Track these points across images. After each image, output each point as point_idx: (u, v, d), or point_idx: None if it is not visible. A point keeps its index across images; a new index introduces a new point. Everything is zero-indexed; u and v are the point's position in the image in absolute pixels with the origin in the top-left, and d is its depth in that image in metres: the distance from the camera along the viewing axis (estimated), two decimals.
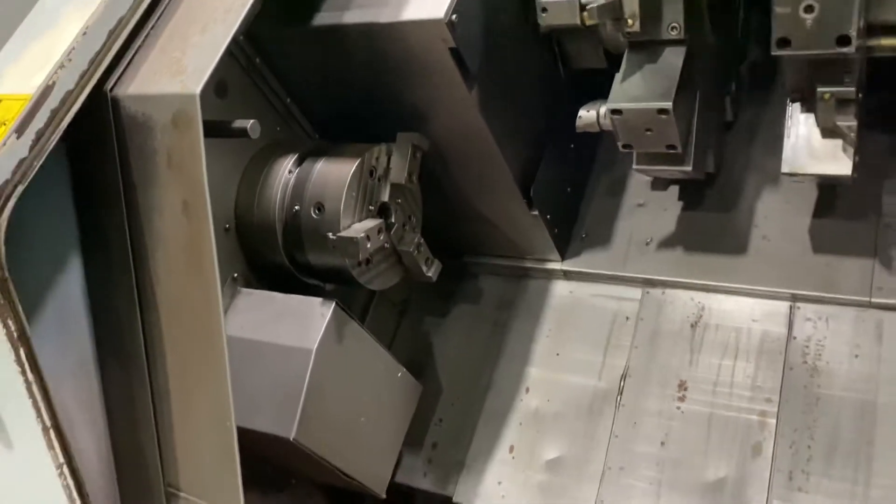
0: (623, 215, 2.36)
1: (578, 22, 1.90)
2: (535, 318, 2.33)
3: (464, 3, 1.68)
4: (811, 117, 1.80)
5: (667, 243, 2.27)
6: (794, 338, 2.02)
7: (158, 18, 1.51)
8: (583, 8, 1.90)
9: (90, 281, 1.55)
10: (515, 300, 2.39)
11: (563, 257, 2.33)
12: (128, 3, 1.46)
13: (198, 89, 1.34)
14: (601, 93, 1.96)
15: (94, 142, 1.45)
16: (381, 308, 2.45)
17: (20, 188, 1.28)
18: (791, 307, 2.06)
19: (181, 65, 1.40)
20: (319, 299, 1.83)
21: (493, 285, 2.44)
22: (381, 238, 1.85)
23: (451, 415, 2.29)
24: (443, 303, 2.48)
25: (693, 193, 2.30)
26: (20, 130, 1.29)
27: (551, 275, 2.37)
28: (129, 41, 1.47)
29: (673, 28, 1.80)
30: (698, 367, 2.08)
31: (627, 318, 2.23)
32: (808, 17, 1.46)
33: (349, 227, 1.81)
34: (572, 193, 2.36)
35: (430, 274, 2.01)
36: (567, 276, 2.34)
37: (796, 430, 1.90)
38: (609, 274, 2.29)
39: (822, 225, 2.12)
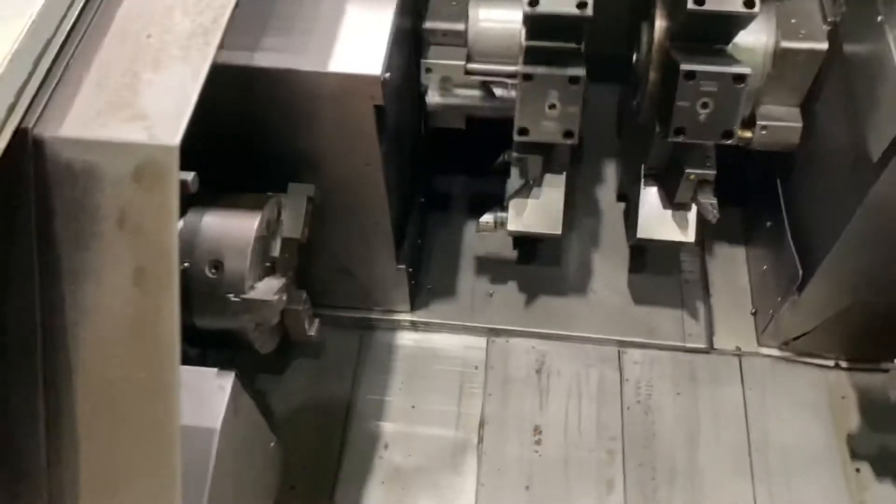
0: (464, 267, 2.46)
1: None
2: (386, 371, 2.31)
3: (389, 61, 1.64)
4: (657, 191, 2.08)
5: (507, 295, 2.42)
6: (627, 380, 2.28)
7: (79, 44, 1.24)
8: (467, 72, 1.98)
9: None
10: (363, 352, 2.34)
11: (412, 308, 2.35)
12: (55, 22, 1.18)
13: (176, 140, 1.14)
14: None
15: (2, 193, 1.14)
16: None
17: None
18: (619, 352, 2.33)
19: (137, 107, 1.17)
20: (214, 370, 1.62)
21: (337, 338, 2.36)
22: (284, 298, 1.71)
23: (304, 480, 2.16)
24: (280, 357, 2.33)
25: (526, 249, 2.49)
26: None
27: (398, 325, 2.37)
28: (51, 69, 1.18)
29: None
30: (548, 410, 2.24)
31: (476, 366, 2.32)
32: (703, 112, 1.70)
33: (252, 287, 1.64)
34: (422, 245, 2.40)
35: (311, 333, 1.90)
36: (415, 326, 2.36)
37: (640, 465, 2.15)
38: (456, 324, 2.36)
39: (637, 280, 2.43)
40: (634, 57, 2.14)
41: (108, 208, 1.16)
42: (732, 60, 1.74)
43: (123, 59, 1.23)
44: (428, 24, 1.95)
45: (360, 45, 1.63)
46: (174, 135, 1.14)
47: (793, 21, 1.92)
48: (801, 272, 2.01)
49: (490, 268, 2.46)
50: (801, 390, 2.26)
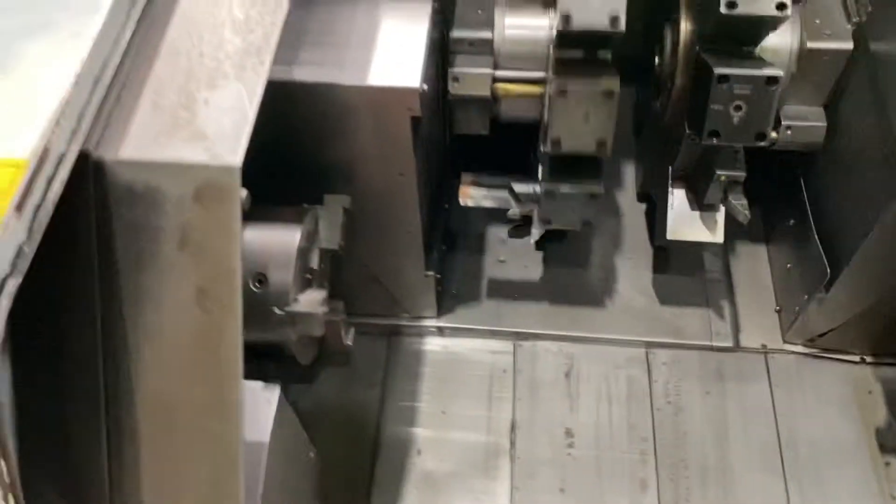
0: (488, 272, 2.47)
1: (489, 94, 1.98)
2: (415, 377, 2.32)
3: (426, 73, 1.65)
4: (684, 192, 2.10)
5: (532, 298, 2.43)
6: (655, 381, 2.30)
7: (132, 63, 1.24)
8: (495, 80, 1.99)
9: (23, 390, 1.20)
10: (391, 359, 2.34)
11: (438, 314, 2.36)
12: (110, 43, 1.18)
13: (238, 160, 1.14)
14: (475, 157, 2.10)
15: (63, 216, 1.14)
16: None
17: (14, 283, 0.97)
18: (647, 353, 2.35)
19: (195, 127, 1.17)
20: (260, 383, 1.63)
21: (365, 345, 2.36)
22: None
23: (339, 489, 2.16)
24: (310, 366, 2.33)
25: (549, 252, 2.50)
26: (21, 207, 0.98)
27: (425, 331, 2.38)
28: (109, 90, 1.18)
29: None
30: (579, 413, 2.26)
31: (504, 370, 2.33)
32: (736, 115, 1.72)
33: (296, 299, 1.65)
34: (447, 251, 2.41)
35: (349, 342, 1.90)
36: (441, 332, 2.37)
37: (673, 464, 2.17)
38: (483, 328, 2.37)
39: (661, 280, 2.45)
40: (657, 59, 2.15)
41: (170, 229, 1.16)
42: (763, 63, 1.75)
43: (178, 79, 1.23)
44: (455, 34, 1.95)
45: (397, 57, 1.64)
46: (235, 154, 1.15)
47: (817, 21, 1.94)
48: (829, 270, 2.03)
49: (514, 271, 2.46)
50: (828, 386, 2.28)
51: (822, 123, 2.02)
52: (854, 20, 1.92)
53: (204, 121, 1.18)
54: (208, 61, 1.25)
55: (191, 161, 1.14)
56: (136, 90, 1.22)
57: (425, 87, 1.61)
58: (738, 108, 1.71)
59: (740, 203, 1.94)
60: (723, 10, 1.64)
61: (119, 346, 1.20)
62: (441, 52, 1.98)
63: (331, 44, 1.65)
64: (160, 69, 1.24)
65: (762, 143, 1.76)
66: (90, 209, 1.16)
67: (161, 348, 1.20)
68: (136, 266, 1.18)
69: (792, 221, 2.29)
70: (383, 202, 1.90)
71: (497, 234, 2.53)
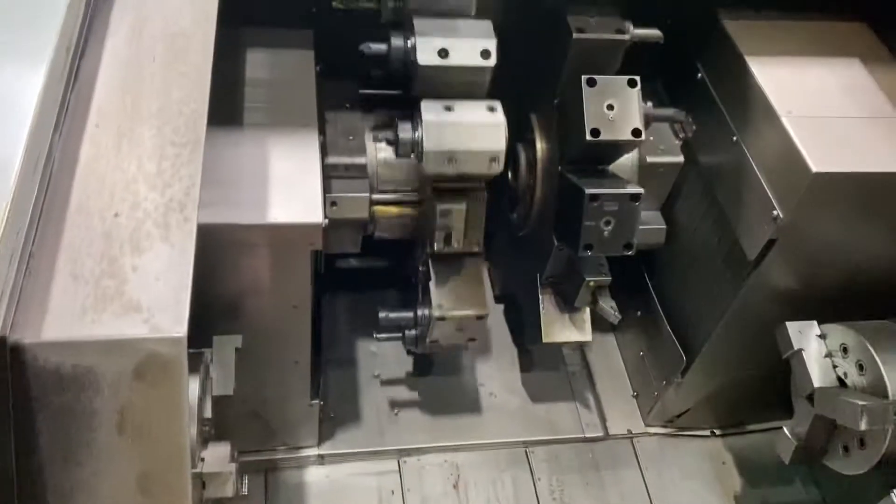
0: (364, 389, 2.43)
1: (367, 216, 2.01)
2: None
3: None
4: (552, 296, 2.23)
5: (411, 411, 2.42)
6: (539, 479, 2.36)
7: (38, 227, 1.12)
8: (372, 203, 2.02)
9: None
10: (272, 497, 2.20)
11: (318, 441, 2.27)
12: (21, 211, 1.06)
13: (183, 330, 1.05)
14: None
15: None
16: None
17: None
18: (527, 452, 2.41)
19: (127, 297, 1.07)
20: None
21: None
22: None
23: None
24: None
25: (419, 361, 2.51)
26: None
27: (306, 462, 2.27)
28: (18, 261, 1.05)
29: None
30: None
31: (392, 491, 2.28)
32: (607, 229, 1.87)
33: (202, 459, 1.52)
34: (320, 373, 2.34)
35: (245, 491, 1.77)
36: (323, 459, 2.28)
37: None
38: (366, 451, 2.32)
39: (529, 378, 2.55)
40: (510, 175, 2.29)
41: (106, 413, 1.05)
42: (623, 181, 1.94)
43: (95, 243, 1.13)
44: (331, 160, 1.96)
45: (293, 191, 1.62)
46: (179, 324, 1.06)
47: (651, 139, 2.18)
48: (684, 358, 2.23)
49: (390, 385, 2.45)
50: (689, 461, 2.47)
51: (662, 226, 2.26)
52: (681, 136, 2.18)
53: (136, 289, 1.09)
54: (126, 221, 1.16)
55: (129, 336, 1.05)
56: (47, 259, 1.10)
57: (326, 220, 1.60)
58: (607, 222, 1.87)
59: (610, 306, 2.09)
60: (588, 138, 1.81)
61: None
62: None
63: (222, 181, 1.59)
64: (72, 234, 1.14)
65: (629, 252, 1.92)
66: (7, 400, 1.01)
67: None
68: (66, 458, 1.05)
69: (639, 313, 2.50)
70: (272, 335, 1.83)
71: (366, 346, 2.51)
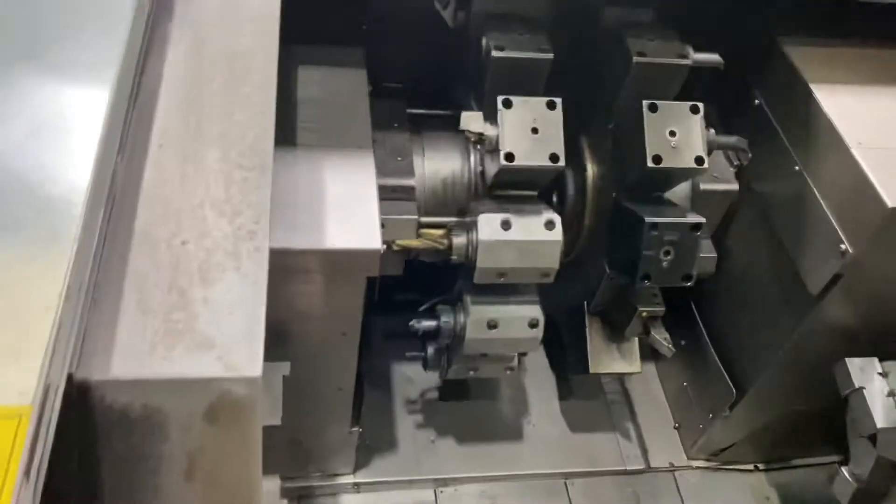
0: (399, 416, 2.36)
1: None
2: None
3: None
4: (601, 325, 2.16)
5: (448, 439, 2.35)
6: None
7: (101, 255, 1.06)
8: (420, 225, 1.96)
9: None
10: None
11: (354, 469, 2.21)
12: (90, 241, 1.00)
13: (258, 370, 0.99)
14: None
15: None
16: None
17: None
18: (566, 484, 2.34)
19: (198, 332, 1.01)
20: None
21: None
22: None
23: None
24: None
25: (455, 386, 2.45)
26: (29, 470, 0.77)
27: (341, 489, 2.20)
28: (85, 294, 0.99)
29: None
30: None
31: None
32: (666, 259, 1.81)
33: None
34: (362, 400, 2.27)
35: None
36: (358, 488, 2.21)
37: None
38: (402, 479, 2.25)
39: (568, 407, 2.48)
40: (554, 198, 2.23)
41: (175, 457, 0.99)
42: (683, 209, 1.88)
43: (162, 273, 1.07)
44: (379, 181, 1.90)
45: (349, 215, 1.56)
46: (253, 363, 1.01)
47: None
48: (734, 392, 2.16)
49: (427, 412, 2.38)
50: (732, 496, 2.40)
51: (714, 254, 2.19)
52: (735, 164, 2.12)
53: (207, 324, 1.03)
54: (195, 250, 1.10)
55: (200, 375, 0.98)
56: (113, 290, 1.04)
57: (384, 246, 1.54)
58: (667, 252, 1.80)
59: (663, 337, 2.02)
60: (650, 164, 1.75)
61: None
62: None
63: (276, 204, 1.52)
64: (138, 263, 1.08)
65: (688, 284, 1.86)
66: (73, 443, 0.95)
67: None
68: None
69: (683, 342, 2.42)
70: (319, 362, 1.76)
71: (402, 371, 2.45)
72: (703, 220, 1.81)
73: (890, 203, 1.63)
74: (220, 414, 0.99)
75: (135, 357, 0.98)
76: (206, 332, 1.02)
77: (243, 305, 1.05)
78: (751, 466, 2.46)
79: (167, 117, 1.26)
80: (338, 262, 1.52)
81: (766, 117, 2.01)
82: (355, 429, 2.03)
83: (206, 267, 1.08)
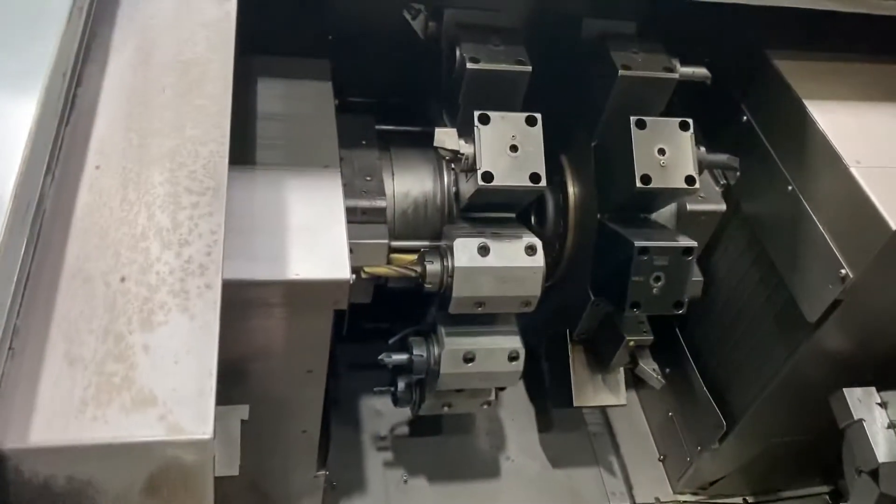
0: (369, 453, 2.21)
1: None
2: None
3: None
4: (584, 356, 2.04)
5: (422, 477, 2.20)
6: None
7: (24, 293, 0.90)
8: (391, 250, 1.82)
9: None
10: None
11: None
12: (10, 288, 0.84)
13: (209, 430, 0.84)
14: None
15: None
16: None
17: None
18: None
19: (137, 386, 0.85)
20: None
21: None
22: None
23: None
24: None
25: (428, 420, 2.29)
26: None
27: None
28: None
29: None
30: None
31: None
32: (656, 286, 1.69)
33: None
34: (328, 441, 2.11)
35: None
36: None
37: None
38: None
39: (547, 439, 2.35)
40: (533, 219, 2.11)
41: None
42: (673, 232, 1.76)
43: (96, 316, 0.91)
44: (347, 203, 1.76)
45: (316, 243, 1.41)
46: (204, 422, 0.85)
47: None
48: (724, 424, 2.05)
49: (398, 448, 2.22)
50: None
51: (700, 278, 2.08)
52: (721, 182, 2.02)
53: (148, 377, 0.87)
54: (135, 288, 0.95)
55: (139, 440, 0.83)
56: (36, 336, 0.88)
57: (353, 276, 1.39)
58: (657, 278, 1.68)
59: (652, 368, 1.90)
60: (638, 185, 1.63)
61: None
62: None
63: (233, 230, 1.37)
64: (67, 304, 0.92)
65: (679, 312, 1.74)
66: None
67: None
68: None
69: (668, 370, 2.30)
70: (281, 403, 1.60)
71: (370, 404, 2.29)
72: (694, 243, 1.69)
73: (893, 225, 1.54)
74: (163, 485, 0.83)
75: (59, 419, 0.82)
76: (146, 386, 0.86)
77: (191, 353, 0.90)
78: (739, 500, 2.34)
79: (107, 134, 1.10)
80: (302, 293, 1.37)
81: (755, 134, 1.91)
82: (321, 472, 1.87)
83: (149, 308, 0.93)
